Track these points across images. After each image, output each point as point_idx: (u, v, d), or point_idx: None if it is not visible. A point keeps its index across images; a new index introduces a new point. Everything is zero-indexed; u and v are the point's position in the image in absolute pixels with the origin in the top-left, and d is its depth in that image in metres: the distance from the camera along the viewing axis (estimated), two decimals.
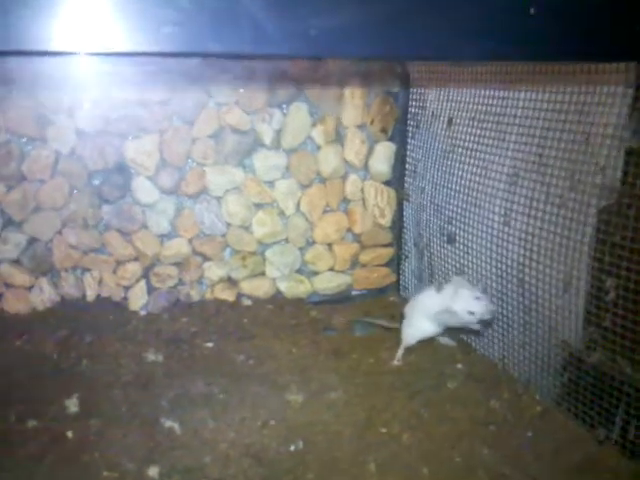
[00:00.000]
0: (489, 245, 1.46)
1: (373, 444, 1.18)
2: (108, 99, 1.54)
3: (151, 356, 1.46)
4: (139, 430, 1.18)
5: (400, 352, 1.50)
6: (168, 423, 1.20)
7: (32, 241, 1.58)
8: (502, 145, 1.41)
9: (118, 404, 1.27)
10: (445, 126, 1.62)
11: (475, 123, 1.50)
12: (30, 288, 1.59)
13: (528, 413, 1.31)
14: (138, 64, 1.46)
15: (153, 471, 1.07)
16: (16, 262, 1.58)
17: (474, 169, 1.50)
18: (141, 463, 1.09)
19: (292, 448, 1.15)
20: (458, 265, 1.58)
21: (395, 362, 1.49)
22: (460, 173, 1.55)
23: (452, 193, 1.58)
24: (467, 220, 1.52)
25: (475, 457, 1.15)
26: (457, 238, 1.57)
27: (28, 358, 1.43)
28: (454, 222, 1.58)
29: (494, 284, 1.45)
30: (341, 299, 1.88)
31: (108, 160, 1.56)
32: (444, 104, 1.63)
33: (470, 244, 1.52)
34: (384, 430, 1.24)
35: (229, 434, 1.18)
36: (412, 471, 1.11)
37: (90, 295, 1.63)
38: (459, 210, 1.55)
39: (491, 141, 1.44)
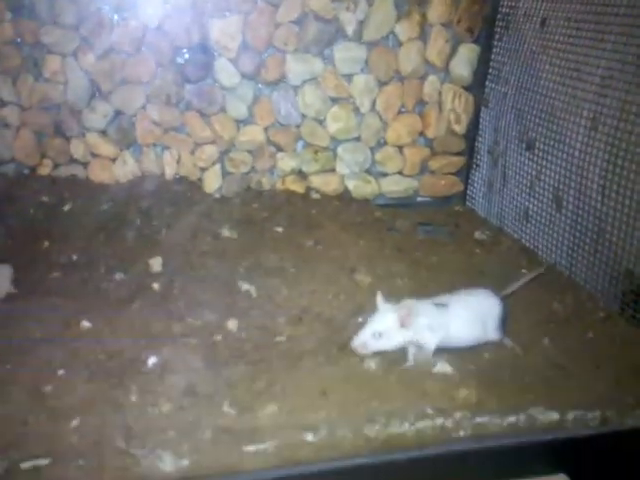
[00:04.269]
0: (572, 151, 1.42)
1: None
2: None
3: (226, 232, 1.53)
4: (218, 289, 1.26)
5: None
6: (245, 286, 1.27)
7: (118, 113, 1.63)
8: (599, 46, 1.35)
9: (197, 267, 1.35)
10: (537, 27, 1.56)
11: (571, 23, 1.44)
12: (114, 160, 1.67)
13: (590, 317, 1.32)
14: None
15: (232, 324, 1.15)
16: (102, 133, 1.64)
17: (565, 72, 1.45)
18: (221, 316, 1.17)
19: (359, 320, 1.21)
20: (535, 173, 1.56)
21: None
22: (549, 76, 1.50)
23: (538, 97, 1.53)
24: (551, 125, 1.49)
25: (535, 346, 1.18)
26: (537, 144, 1.54)
27: (114, 222, 1.52)
28: (536, 127, 1.54)
29: (571, 191, 1.43)
30: (406, 204, 1.89)
31: (193, 38, 1.57)
32: (538, 3, 1.56)
33: (551, 150, 1.49)
34: None
35: (301, 302, 1.25)
36: (475, 354, 1.15)
37: (168, 173, 1.69)
38: (543, 115, 1.51)
39: (587, 42, 1.38)
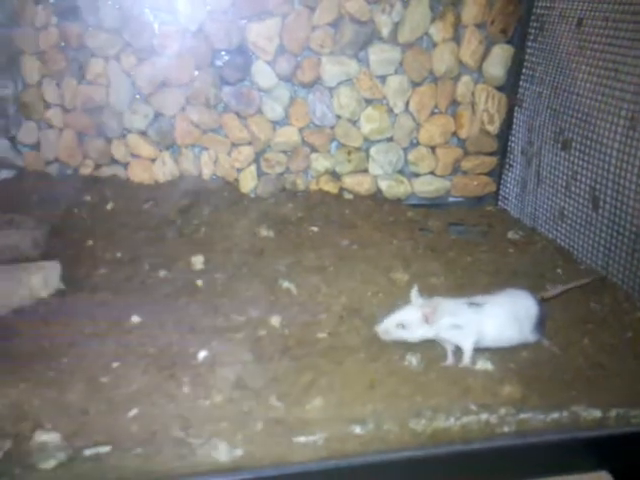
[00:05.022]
0: (609, 151, 1.42)
1: None
2: None
3: (263, 231, 1.56)
4: (260, 287, 1.29)
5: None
6: (285, 284, 1.30)
7: (158, 115, 1.67)
8: (637, 45, 1.35)
9: (239, 265, 1.38)
10: (574, 27, 1.56)
11: (609, 23, 1.44)
12: (153, 160, 1.71)
13: (628, 317, 1.31)
14: None
15: (275, 320, 1.17)
16: (143, 134, 1.68)
17: (602, 71, 1.45)
18: (264, 313, 1.19)
19: None
20: (570, 173, 1.56)
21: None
22: (585, 76, 1.50)
23: (574, 97, 1.54)
24: (587, 125, 1.49)
25: (575, 346, 1.19)
26: (573, 144, 1.54)
27: (154, 220, 1.56)
28: (572, 127, 1.54)
29: (608, 191, 1.43)
30: (437, 204, 1.90)
31: (232, 41, 1.61)
32: (574, 4, 1.56)
33: (587, 150, 1.49)
34: None
35: (341, 299, 1.27)
36: (514, 353, 1.16)
37: (206, 173, 1.73)
38: (580, 115, 1.51)
39: (625, 42, 1.38)
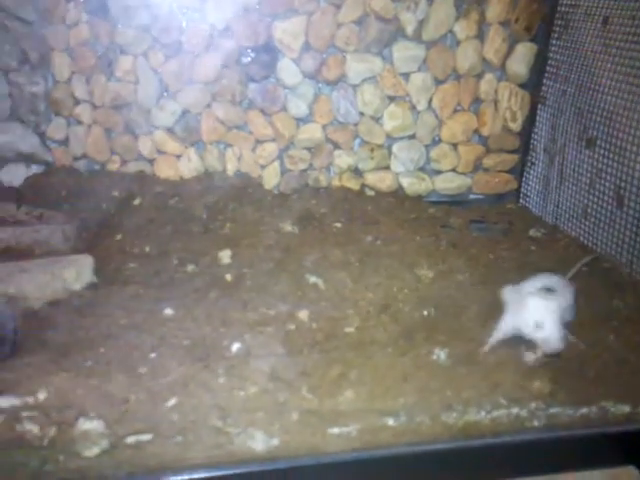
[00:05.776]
0: (635, 149, 1.43)
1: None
2: None
3: (288, 227, 1.58)
4: (287, 281, 1.31)
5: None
6: (312, 279, 1.32)
7: (185, 112, 1.69)
8: None
9: (265, 260, 1.40)
10: (599, 25, 1.56)
11: (635, 22, 1.44)
12: (179, 156, 1.73)
13: None
14: None
15: (303, 314, 1.19)
16: (169, 130, 1.71)
17: (629, 70, 1.45)
18: (292, 307, 1.21)
19: (425, 313, 1.24)
20: (595, 170, 1.56)
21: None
22: (611, 74, 1.50)
23: (599, 95, 1.54)
24: (613, 123, 1.49)
25: (600, 342, 1.19)
26: (598, 142, 1.55)
27: (181, 216, 1.58)
28: (597, 125, 1.55)
29: (633, 188, 1.44)
30: (458, 201, 1.91)
31: (258, 38, 1.63)
32: (600, 2, 1.56)
33: (612, 148, 1.49)
34: None
35: (367, 294, 1.29)
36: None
37: (230, 169, 1.75)
38: (604, 113, 1.52)
39: None
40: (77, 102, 1.69)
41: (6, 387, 0.88)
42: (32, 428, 0.83)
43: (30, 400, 0.86)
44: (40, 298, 1.19)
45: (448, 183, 1.88)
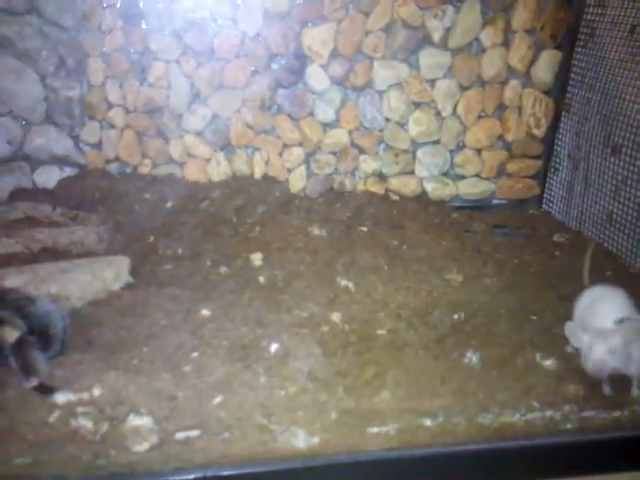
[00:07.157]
0: None
1: (527, 326, 1.27)
2: None
3: (315, 230, 1.61)
4: (319, 284, 1.34)
5: None
6: (343, 282, 1.35)
7: (215, 117, 1.73)
8: None
9: (295, 262, 1.43)
10: (626, 34, 1.58)
11: None
12: (208, 160, 1.77)
13: None
14: None
15: (335, 316, 1.22)
16: (199, 134, 1.74)
17: None
18: (325, 309, 1.24)
19: (455, 317, 1.26)
20: (620, 177, 1.58)
21: None
22: (637, 83, 1.52)
23: (625, 104, 1.55)
24: (638, 131, 1.51)
25: None
26: (623, 149, 1.56)
27: (211, 219, 1.61)
28: (622, 133, 1.56)
29: None
30: (481, 206, 1.93)
31: (288, 45, 1.66)
32: (627, 11, 1.58)
33: (638, 155, 1.51)
34: (534, 318, 1.32)
35: (397, 298, 1.31)
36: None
37: (257, 173, 1.78)
38: (630, 121, 1.53)
39: None
40: (110, 106, 1.73)
41: (60, 384, 0.92)
42: (86, 423, 0.86)
43: (85, 396, 0.89)
44: (82, 298, 1.23)
45: (472, 188, 1.90)
